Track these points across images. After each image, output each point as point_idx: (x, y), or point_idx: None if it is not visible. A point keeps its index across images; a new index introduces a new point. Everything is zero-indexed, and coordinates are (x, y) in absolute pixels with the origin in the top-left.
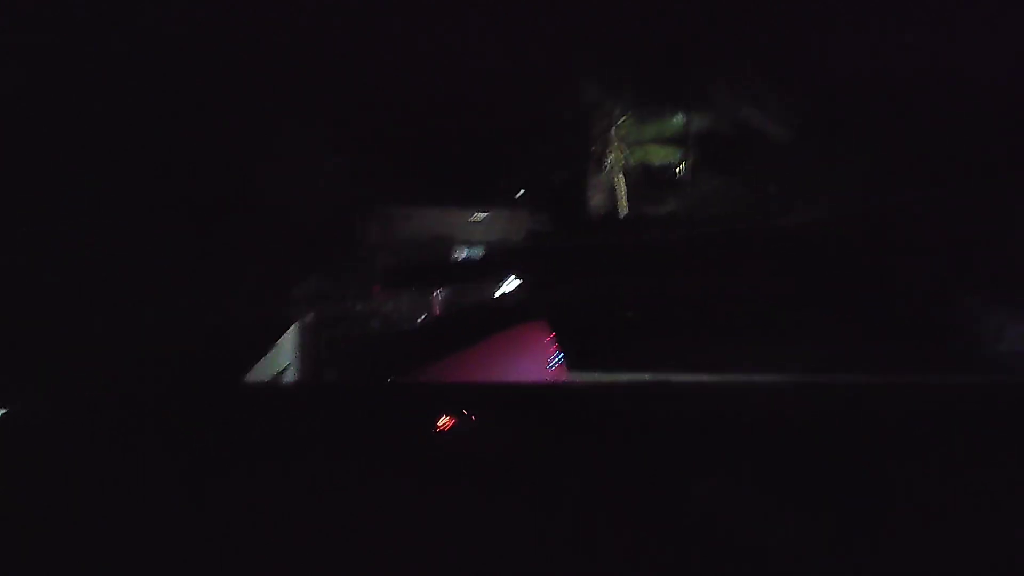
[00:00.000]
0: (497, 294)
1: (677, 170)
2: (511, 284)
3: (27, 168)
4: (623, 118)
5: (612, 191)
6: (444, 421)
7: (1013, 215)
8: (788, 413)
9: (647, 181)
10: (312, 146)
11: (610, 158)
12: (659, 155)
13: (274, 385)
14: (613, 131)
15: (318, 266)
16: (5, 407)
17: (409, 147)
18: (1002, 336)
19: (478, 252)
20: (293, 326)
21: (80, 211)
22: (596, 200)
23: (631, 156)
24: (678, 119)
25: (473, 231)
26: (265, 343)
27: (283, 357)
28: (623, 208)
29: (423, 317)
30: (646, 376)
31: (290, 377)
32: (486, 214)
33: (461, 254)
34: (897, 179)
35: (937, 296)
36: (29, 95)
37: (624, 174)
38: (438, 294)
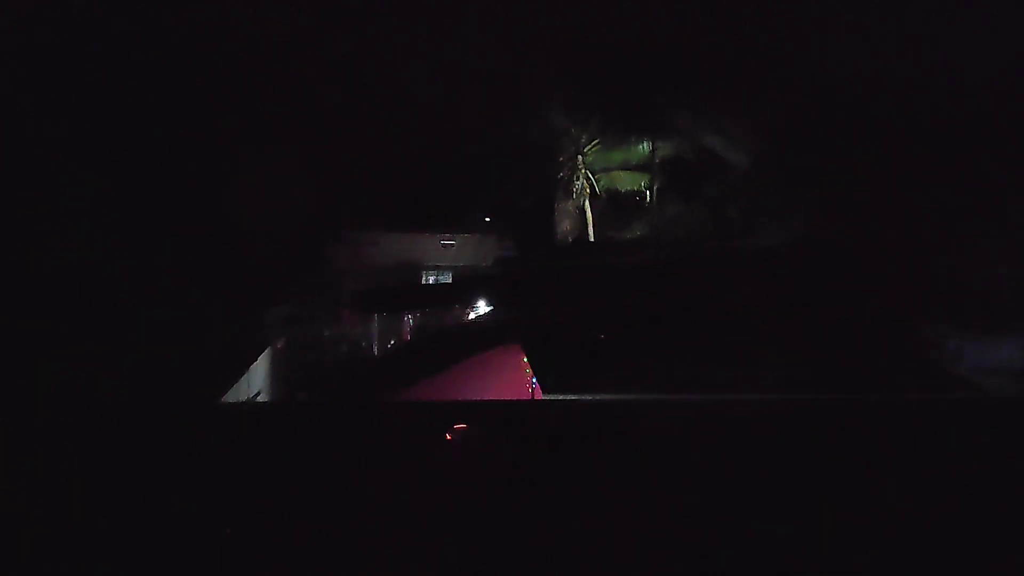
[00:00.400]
0: (469, 318)
1: (643, 196)
2: (482, 308)
3: None
4: (590, 145)
5: (580, 216)
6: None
7: (969, 239)
8: (756, 429)
9: (614, 206)
10: (281, 172)
11: (577, 184)
12: (625, 181)
13: (251, 404)
14: (580, 158)
15: (288, 292)
16: None
17: (377, 173)
18: (960, 355)
19: (447, 277)
20: (265, 351)
21: (50, 232)
22: (564, 225)
23: (598, 182)
24: (644, 146)
25: (442, 256)
26: (238, 368)
27: (255, 382)
28: (591, 233)
29: (392, 342)
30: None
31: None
32: (454, 240)
33: (430, 279)
34: (853, 206)
35: (895, 317)
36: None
37: (591, 200)
38: (408, 319)
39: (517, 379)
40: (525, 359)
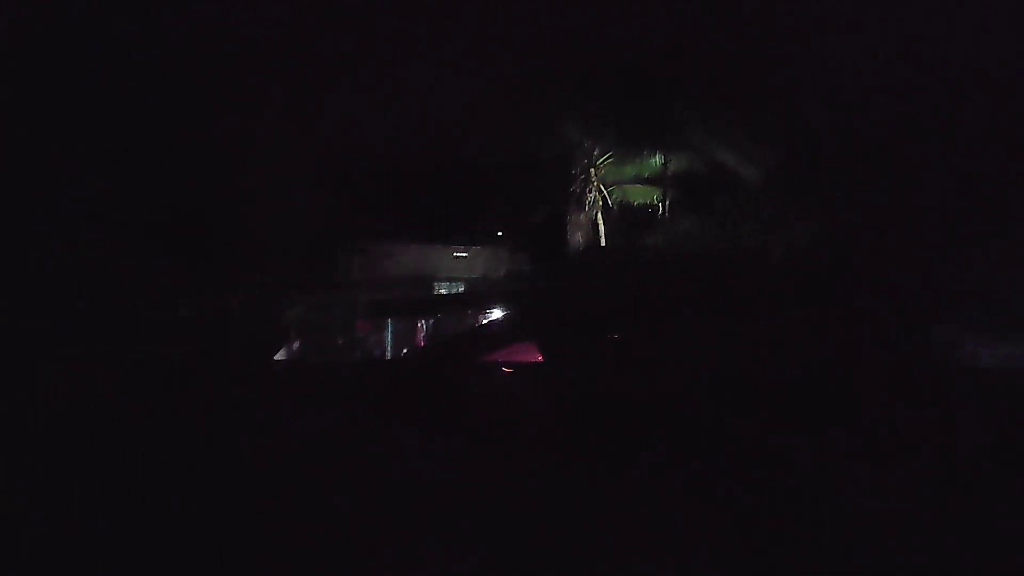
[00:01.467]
0: (481, 323)
1: (656, 209)
2: (493, 315)
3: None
4: (603, 159)
5: (592, 229)
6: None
7: (984, 245)
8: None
9: (626, 220)
10: (296, 184)
11: (590, 197)
12: (638, 195)
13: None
14: (593, 171)
15: (302, 299)
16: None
17: (391, 186)
18: (977, 358)
19: (459, 288)
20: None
21: (71, 233)
22: (576, 238)
23: (611, 195)
24: (656, 160)
25: (454, 268)
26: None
27: None
28: (602, 246)
29: (406, 350)
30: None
31: None
32: (467, 252)
33: (442, 290)
34: (869, 220)
35: (911, 323)
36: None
37: (603, 213)
38: (421, 326)
39: None
40: (540, 357)
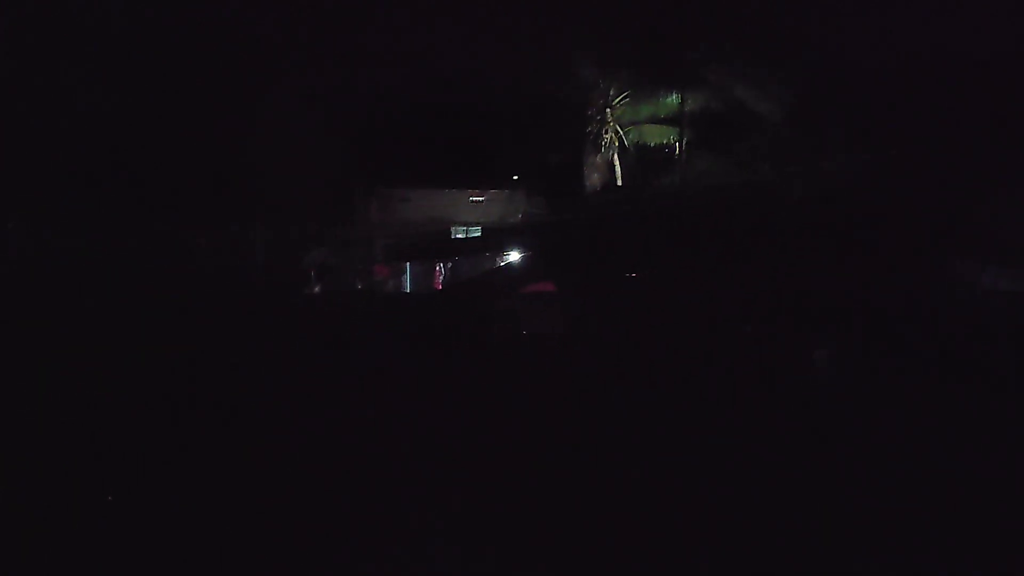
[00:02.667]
0: (499, 266)
1: (673, 149)
2: (511, 257)
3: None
4: (619, 99)
5: (608, 171)
6: None
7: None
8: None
9: (643, 160)
10: (313, 130)
11: (606, 138)
12: (654, 135)
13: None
14: (609, 112)
15: (321, 243)
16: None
17: (407, 132)
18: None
19: (477, 231)
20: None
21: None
22: (592, 180)
23: (627, 136)
24: (673, 99)
25: (471, 212)
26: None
27: None
28: (618, 186)
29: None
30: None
31: None
32: (483, 196)
33: (459, 234)
34: (888, 154)
35: (930, 253)
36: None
37: (620, 154)
38: (439, 270)
39: None
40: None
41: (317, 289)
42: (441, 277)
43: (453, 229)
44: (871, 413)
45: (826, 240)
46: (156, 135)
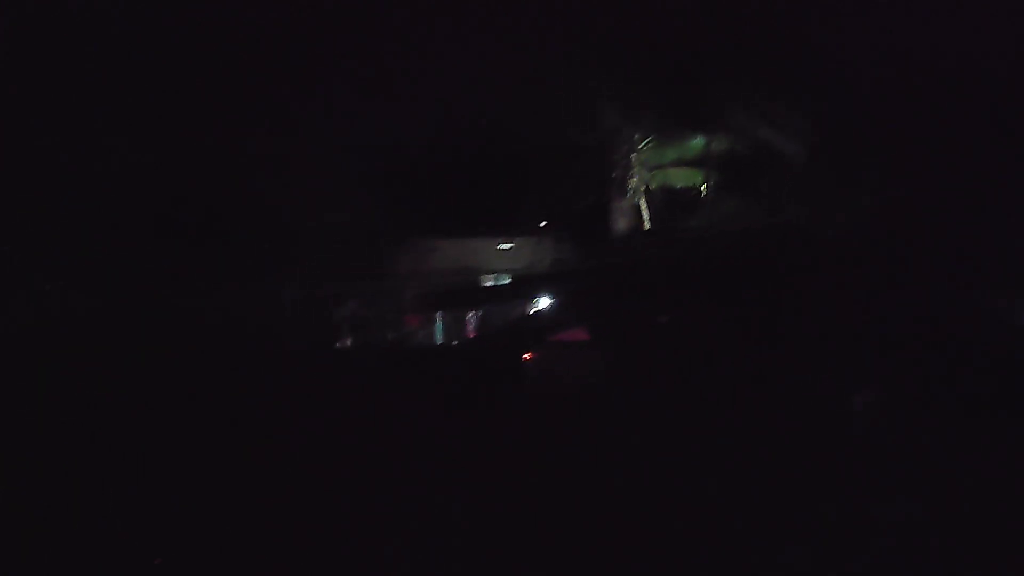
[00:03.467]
0: (531, 313)
1: (699, 191)
2: (541, 304)
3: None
4: (643, 143)
5: (635, 214)
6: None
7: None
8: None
9: (670, 204)
10: (339, 181)
11: (632, 183)
12: (680, 178)
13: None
14: (634, 156)
15: (351, 296)
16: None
17: (434, 181)
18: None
19: (506, 279)
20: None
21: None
22: (619, 225)
23: (652, 180)
24: (698, 141)
25: (499, 260)
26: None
27: None
28: (647, 230)
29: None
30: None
31: None
32: (511, 243)
33: (489, 282)
34: (919, 193)
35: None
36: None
37: (647, 198)
38: (470, 319)
39: None
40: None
41: (349, 343)
42: (472, 325)
43: (482, 277)
44: (915, 456)
45: (862, 278)
46: (176, 192)
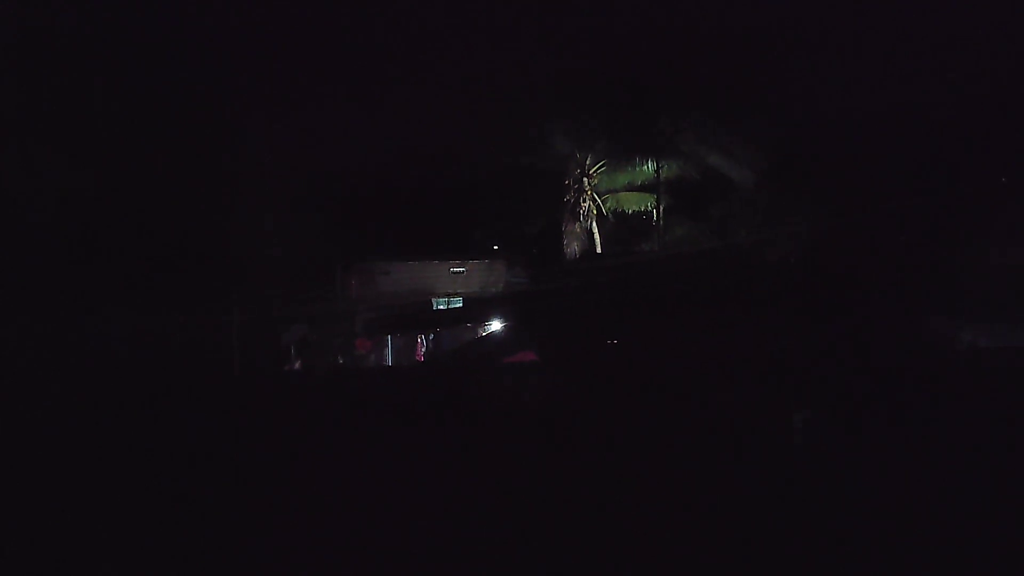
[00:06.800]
0: (481, 335)
1: (650, 216)
2: (492, 326)
3: None
4: (595, 168)
5: (588, 239)
6: None
7: (977, 236)
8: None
9: (621, 228)
10: (291, 205)
11: (584, 207)
12: (632, 202)
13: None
14: (586, 181)
15: (301, 319)
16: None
17: (386, 206)
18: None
19: (458, 302)
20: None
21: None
22: (572, 248)
23: (605, 204)
24: (648, 167)
25: (452, 283)
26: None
27: None
28: (598, 254)
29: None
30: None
31: None
32: (464, 267)
33: (441, 305)
34: (862, 216)
35: (907, 316)
36: None
37: (598, 222)
38: (421, 342)
39: None
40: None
41: (297, 366)
42: (423, 349)
43: (434, 301)
44: (851, 476)
45: (803, 301)
46: (128, 216)
